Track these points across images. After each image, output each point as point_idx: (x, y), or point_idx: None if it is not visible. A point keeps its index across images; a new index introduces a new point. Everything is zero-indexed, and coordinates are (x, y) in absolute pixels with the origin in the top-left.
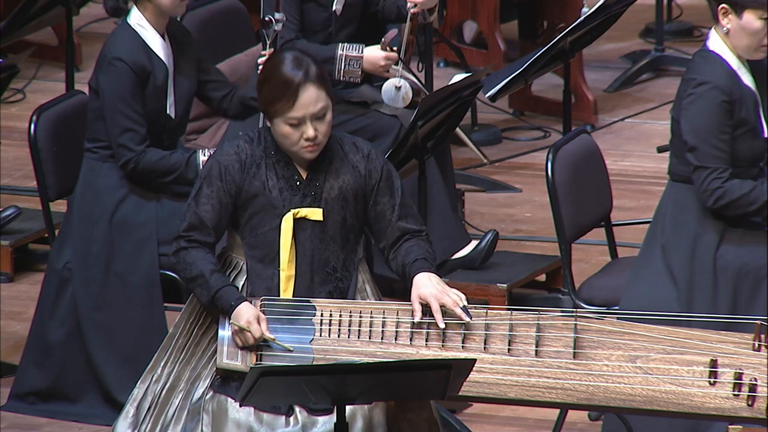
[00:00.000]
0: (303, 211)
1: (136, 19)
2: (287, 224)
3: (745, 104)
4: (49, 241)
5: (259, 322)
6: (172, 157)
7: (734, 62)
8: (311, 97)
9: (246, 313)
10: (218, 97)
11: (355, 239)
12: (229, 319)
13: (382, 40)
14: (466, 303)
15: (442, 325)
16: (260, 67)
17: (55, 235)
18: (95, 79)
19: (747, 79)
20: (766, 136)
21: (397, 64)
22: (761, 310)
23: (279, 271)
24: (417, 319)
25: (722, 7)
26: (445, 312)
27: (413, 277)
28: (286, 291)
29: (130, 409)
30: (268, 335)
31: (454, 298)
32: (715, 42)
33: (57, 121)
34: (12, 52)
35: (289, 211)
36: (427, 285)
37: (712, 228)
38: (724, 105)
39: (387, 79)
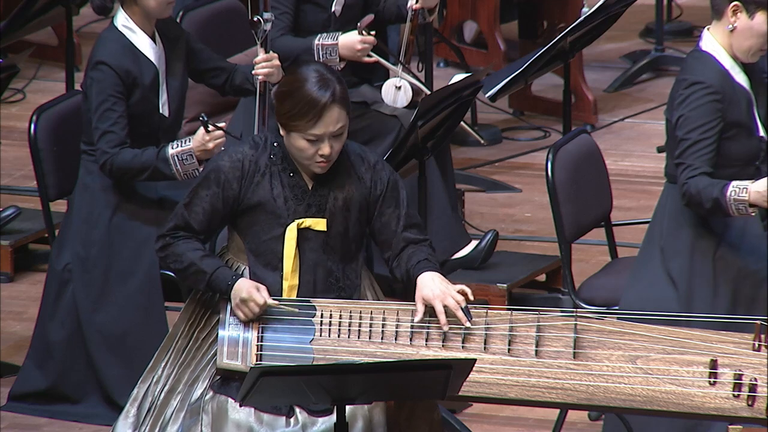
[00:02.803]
0: (307, 222)
1: (123, 21)
2: (291, 234)
3: (737, 104)
4: (49, 241)
5: (259, 291)
6: (144, 154)
7: (727, 62)
8: (334, 117)
9: (245, 284)
10: (219, 84)
11: (357, 248)
12: (229, 298)
13: (358, 24)
14: (467, 303)
15: (446, 328)
16: (259, 74)
17: (55, 235)
18: (84, 83)
19: (740, 78)
20: (760, 134)
21: (396, 64)
22: (761, 313)
23: (282, 279)
24: (417, 319)
25: (734, 5)
26: (447, 313)
27: (417, 278)
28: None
29: (130, 409)
30: (271, 301)
31: (458, 299)
32: (709, 42)
33: (57, 121)
34: (12, 52)
35: (294, 221)
36: (430, 286)
37: (711, 229)
38: (714, 104)
39: (368, 66)
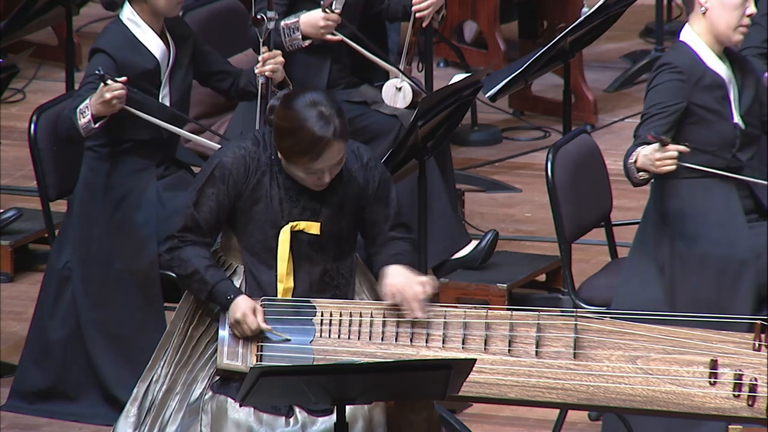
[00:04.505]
0: (301, 225)
1: (128, 14)
2: (284, 237)
3: (707, 89)
4: (49, 241)
5: (255, 314)
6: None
7: (703, 50)
8: (335, 153)
9: (242, 304)
10: (225, 88)
11: (351, 247)
12: (227, 311)
13: (321, 2)
14: (427, 296)
15: (419, 314)
16: (263, 71)
17: (55, 235)
18: None
19: (717, 66)
20: (735, 121)
21: (394, 65)
22: (744, 302)
23: (277, 281)
24: (388, 301)
25: None
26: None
27: (382, 269)
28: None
29: (130, 409)
30: (264, 326)
31: (416, 291)
32: (686, 33)
33: (57, 121)
34: (12, 52)
35: (288, 223)
36: (394, 275)
37: (690, 223)
38: (677, 83)
39: (368, 66)
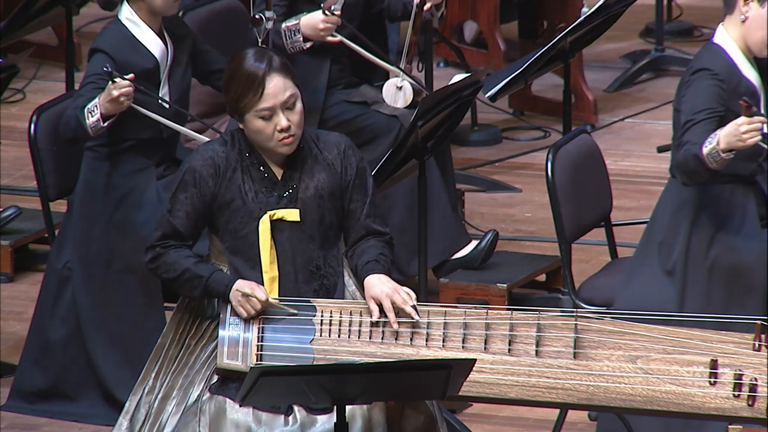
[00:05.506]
0: (279, 213)
1: (127, 14)
2: (264, 226)
3: (741, 96)
4: (49, 241)
5: (260, 289)
6: (74, 110)
7: (737, 55)
8: (278, 86)
9: (247, 282)
10: None
11: (336, 236)
12: (227, 299)
13: (322, 5)
14: (415, 302)
15: (395, 326)
16: None
17: (55, 235)
18: None
19: (750, 73)
20: (764, 131)
21: (394, 65)
22: (754, 309)
23: (262, 273)
24: (375, 317)
25: None
26: (398, 313)
27: (364, 280)
28: (271, 293)
29: (123, 422)
30: (273, 299)
31: (404, 297)
32: (721, 36)
33: (57, 121)
34: (12, 52)
35: (266, 213)
36: (377, 285)
37: (707, 225)
38: (718, 89)
39: (368, 66)
